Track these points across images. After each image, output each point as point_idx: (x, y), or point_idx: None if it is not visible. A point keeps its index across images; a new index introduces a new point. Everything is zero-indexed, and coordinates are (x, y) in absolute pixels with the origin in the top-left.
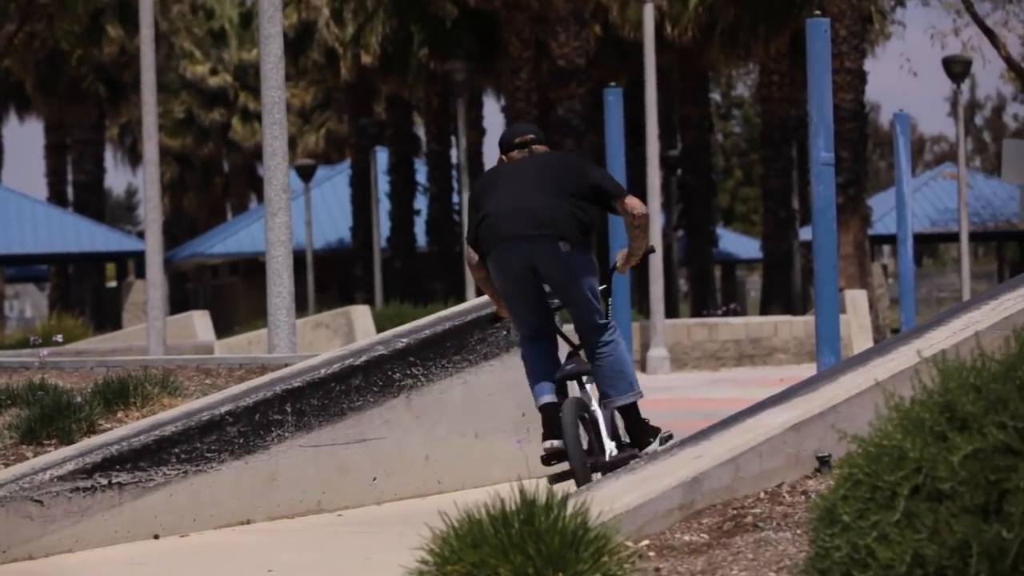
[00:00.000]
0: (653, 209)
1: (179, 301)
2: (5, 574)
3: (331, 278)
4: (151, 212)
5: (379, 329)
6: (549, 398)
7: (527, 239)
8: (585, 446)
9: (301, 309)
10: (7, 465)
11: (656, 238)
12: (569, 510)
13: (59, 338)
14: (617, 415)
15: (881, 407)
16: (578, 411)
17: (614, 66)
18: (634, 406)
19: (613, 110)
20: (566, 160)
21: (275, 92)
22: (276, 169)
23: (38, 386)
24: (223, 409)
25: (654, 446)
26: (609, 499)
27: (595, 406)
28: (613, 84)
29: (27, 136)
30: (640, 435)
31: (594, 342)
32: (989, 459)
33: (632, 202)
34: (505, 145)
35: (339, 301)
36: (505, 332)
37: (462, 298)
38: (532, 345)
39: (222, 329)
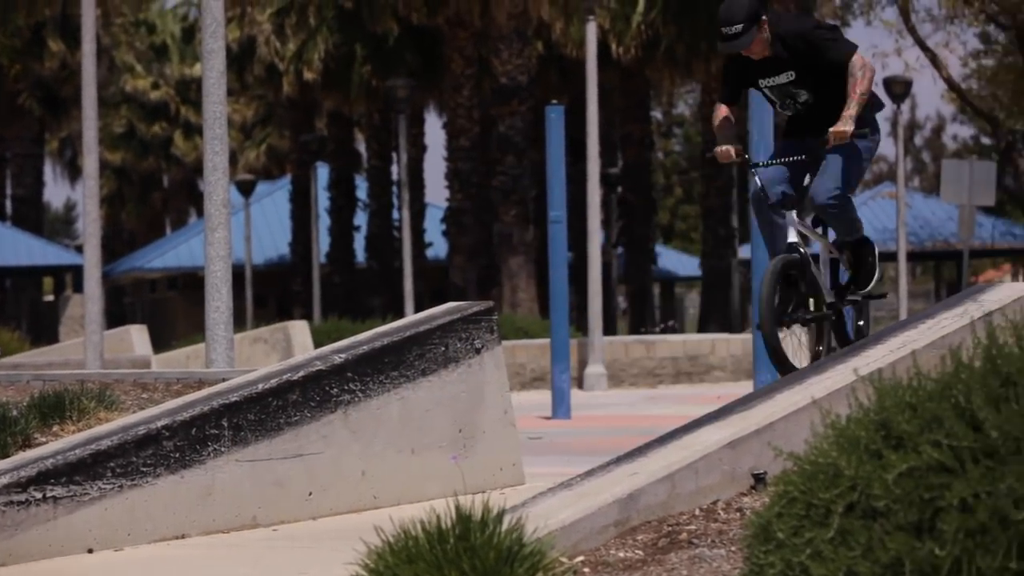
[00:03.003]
0: (593, 227)
1: (117, 315)
2: None
3: (270, 293)
4: (90, 226)
5: (317, 344)
6: None
7: None
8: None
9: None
10: None
11: (595, 256)
12: (504, 526)
13: None
14: None
15: (817, 425)
16: None
17: (556, 84)
18: None
19: (555, 127)
20: None
21: (217, 107)
22: (216, 184)
23: None
24: (160, 423)
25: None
26: (544, 515)
27: None
28: (555, 101)
29: None
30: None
31: None
32: (923, 477)
33: None
34: None
35: (278, 316)
36: (443, 349)
37: (400, 314)
38: None
39: (160, 344)
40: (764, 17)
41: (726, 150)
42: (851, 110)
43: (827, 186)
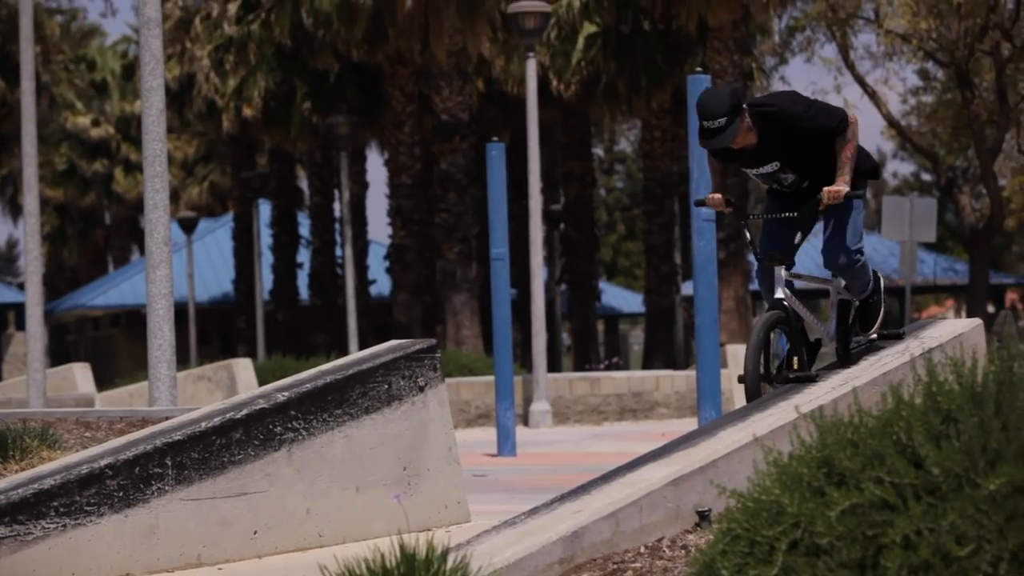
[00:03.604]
0: (536, 264)
1: (60, 353)
2: None
3: (214, 331)
4: (31, 264)
5: (261, 382)
6: None
7: None
8: None
9: (183, 362)
10: None
11: (538, 292)
12: (449, 564)
13: None
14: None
15: (760, 462)
16: None
17: (497, 120)
18: None
19: (496, 164)
20: None
21: (156, 145)
22: (158, 222)
23: None
24: (103, 462)
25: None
26: (489, 553)
27: None
28: (496, 138)
29: None
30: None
31: None
32: (866, 514)
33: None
34: None
35: (222, 354)
36: (386, 386)
37: (345, 351)
38: None
39: (103, 381)
40: (744, 106)
41: (717, 198)
42: (845, 175)
43: (841, 247)
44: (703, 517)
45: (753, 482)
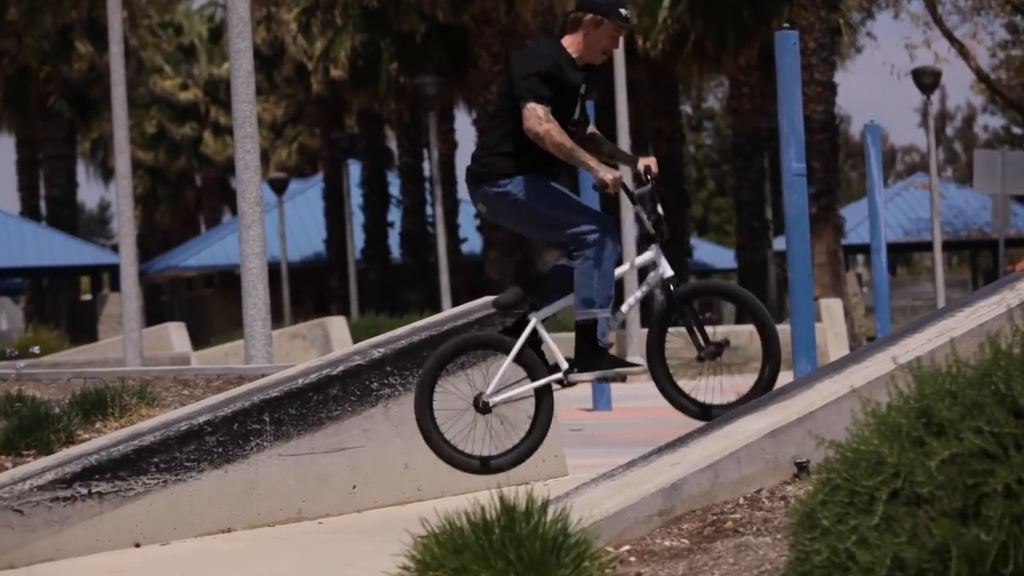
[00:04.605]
0: (627, 222)
1: (154, 313)
2: None
3: (306, 290)
4: (125, 225)
5: (355, 340)
6: None
7: None
8: None
9: (277, 320)
10: None
11: (630, 250)
12: (549, 516)
13: (36, 350)
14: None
15: (858, 413)
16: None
17: None
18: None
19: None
20: None
21: (246, 106)
22: (249, 182)
23: (15, 397)
24: (202, 419)
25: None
26: (588, 505)
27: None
28: None
29: None
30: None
31: None
32: (966, 463)
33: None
34: None
35: (315, 313)
36: None
37: (437, 309)
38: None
39: (197, 341)
40: None
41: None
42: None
43: None
44: (802, 468)
45: (852, 433)
